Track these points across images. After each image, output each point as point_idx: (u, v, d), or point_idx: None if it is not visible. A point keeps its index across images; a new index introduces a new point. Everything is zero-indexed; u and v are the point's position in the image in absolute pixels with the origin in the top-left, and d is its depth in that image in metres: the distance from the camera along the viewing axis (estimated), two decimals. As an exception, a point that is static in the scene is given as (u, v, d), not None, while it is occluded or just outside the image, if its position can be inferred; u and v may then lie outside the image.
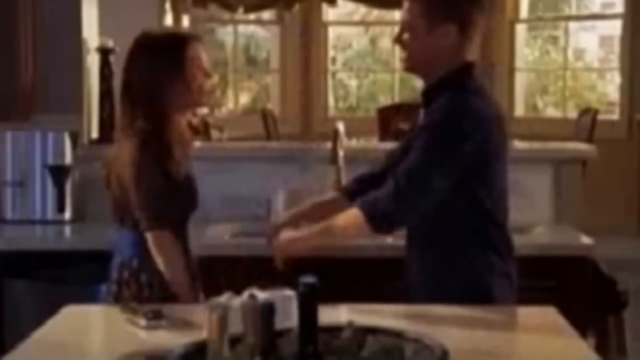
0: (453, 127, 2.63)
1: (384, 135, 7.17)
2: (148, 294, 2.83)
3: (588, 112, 7.93)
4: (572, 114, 8.94)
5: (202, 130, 7.07)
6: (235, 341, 1.93)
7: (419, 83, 2.92)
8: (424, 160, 2.63)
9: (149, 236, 2.82)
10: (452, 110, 2.65)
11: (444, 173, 2.63)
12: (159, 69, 2.86)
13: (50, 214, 3.98)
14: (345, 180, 3.88)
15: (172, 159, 2.84)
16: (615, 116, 8.99)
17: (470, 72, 2.75)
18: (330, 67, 10.27)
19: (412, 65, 2.80)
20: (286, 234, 2.83)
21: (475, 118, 2.65)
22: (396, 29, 2.83)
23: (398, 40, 2.78)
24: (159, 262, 2.82)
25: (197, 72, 2.90)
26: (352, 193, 2.95)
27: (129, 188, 2.81)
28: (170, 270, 2.82)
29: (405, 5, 2.76)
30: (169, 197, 2.82)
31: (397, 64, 9.22)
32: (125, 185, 2.83)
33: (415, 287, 2.76)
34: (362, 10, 10.42)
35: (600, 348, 3.37)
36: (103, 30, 4.46)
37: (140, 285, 2.86)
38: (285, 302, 2.21)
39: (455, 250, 2.71)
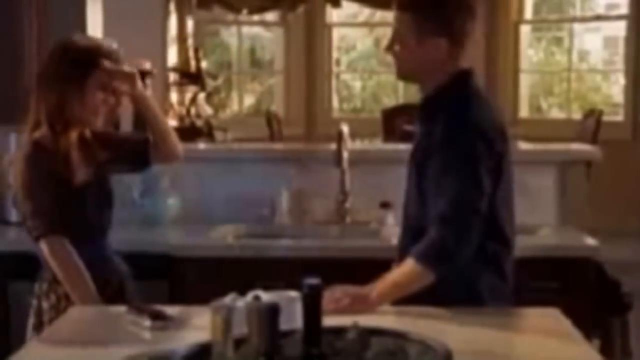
0: (467, 152, 2.55)
1: (388, 137, 7.17)
2: (65, 305, 2.77)
3: (592, 114, 7.93)
4: (577, 115, 8.93)
5: (205, 132, 7.10)
6: (239, 342, 1.93)
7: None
8: (457, 191, 2.53)
9: (42, 244, 2.79)
10: (457, 130, 2.58)
11: (480, 196, 2.55)
12: (62, 76, 2.84)
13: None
14: (349, 182, 3.89)
15: (66, 165, 2.78)
16: (619, 117, 8.97)
17: (467, 80, 2.70)
18: (335, 69, 10.26)
19: (404, 75, 2.79)
20: (349, 290, 2.57)
21: (481, 134, 2.58)
22: None
23: (389, 49, 2.72)
24: (54, 269, 2.78)
25: (96, 92, 2.87)
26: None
27: (20, 196, 2.82)
28: (63, 277, 2.77)
29: (395, 13, 2.70)
30: (60, 204, 2.78)
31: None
32: (18, 193, 2.83)
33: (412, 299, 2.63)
34: (366, 11, 10.42)
35: (604, 350, 3.37)
36: (107, 32, 4.47)
37: (58, 297, 2.82)
38: (290, 304, 2.21)
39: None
